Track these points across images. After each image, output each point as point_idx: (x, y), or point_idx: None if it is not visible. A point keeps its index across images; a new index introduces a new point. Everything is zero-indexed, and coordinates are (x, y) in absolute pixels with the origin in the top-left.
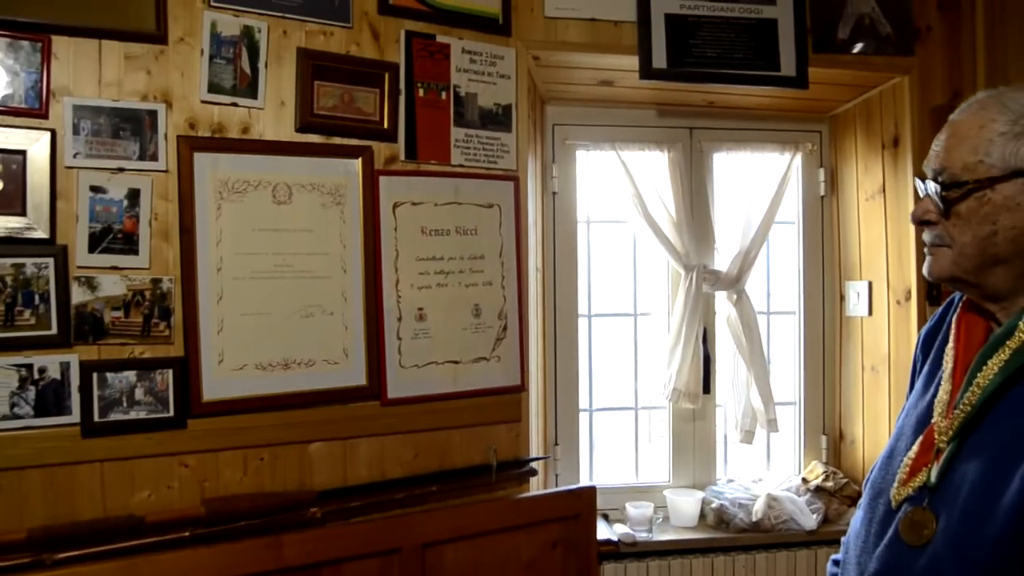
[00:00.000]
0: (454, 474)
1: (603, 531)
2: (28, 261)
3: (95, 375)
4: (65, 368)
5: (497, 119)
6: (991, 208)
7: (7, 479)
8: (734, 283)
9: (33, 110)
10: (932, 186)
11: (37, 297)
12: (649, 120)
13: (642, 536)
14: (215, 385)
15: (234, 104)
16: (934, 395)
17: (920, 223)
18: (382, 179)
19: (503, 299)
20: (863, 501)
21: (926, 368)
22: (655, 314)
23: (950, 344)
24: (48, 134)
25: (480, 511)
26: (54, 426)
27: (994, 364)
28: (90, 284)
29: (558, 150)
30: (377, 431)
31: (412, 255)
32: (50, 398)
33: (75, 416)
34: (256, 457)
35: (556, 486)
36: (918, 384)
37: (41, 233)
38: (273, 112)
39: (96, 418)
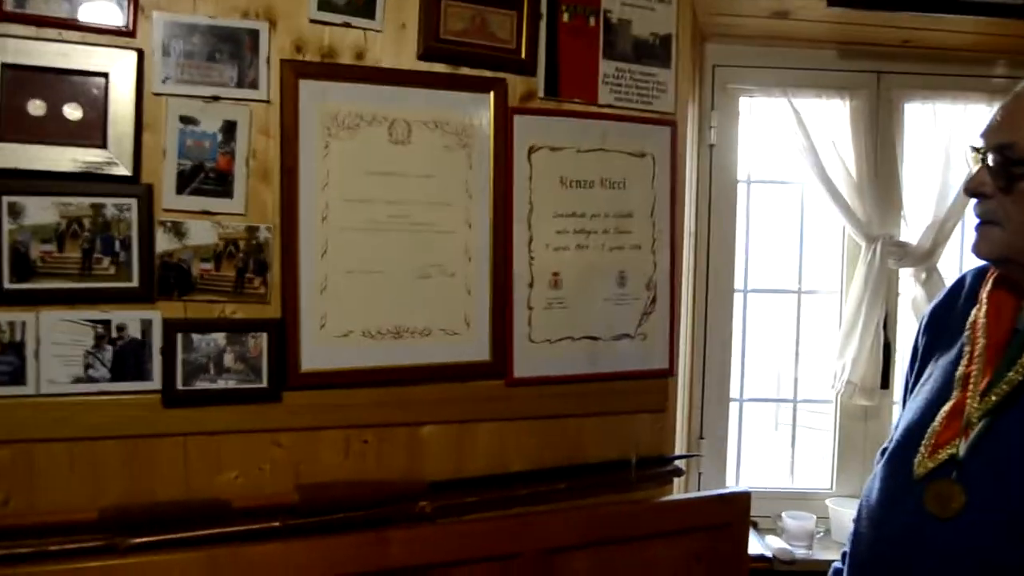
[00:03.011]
0: (587, 469)
1: (754, 544)
2: (108, 201)
3: (180, 336)
4: (147, 326)
5: (653, 52)
6: None
7: (80, 449)
8: (925, 259)
9: (118, 27)
10: (994, 158)
11: (118, 243)
12: (828, 62)
13: (801, 553)
14: (315, 353)
15: (347, 25)
16: (953, 368)
17: (973, 195)
18: (517, 118)
19: (653, 266)
20: (879, 475)
21: (941, 343)
22: (823, 292)
23: (980, 320)
24: (134, 54)
25: (616, 514)
26: (133, 392)
27: None
28: (177, 230)
29: (718, 95)
30: (499, 415)
31: (549, 210)
32: (129, 360)
33: (156, 382)
34: (359, 439)
35: (699, 487)
36: (935, 359)
37: (123, 169)
38: (392, 36)
39: (179, 385)
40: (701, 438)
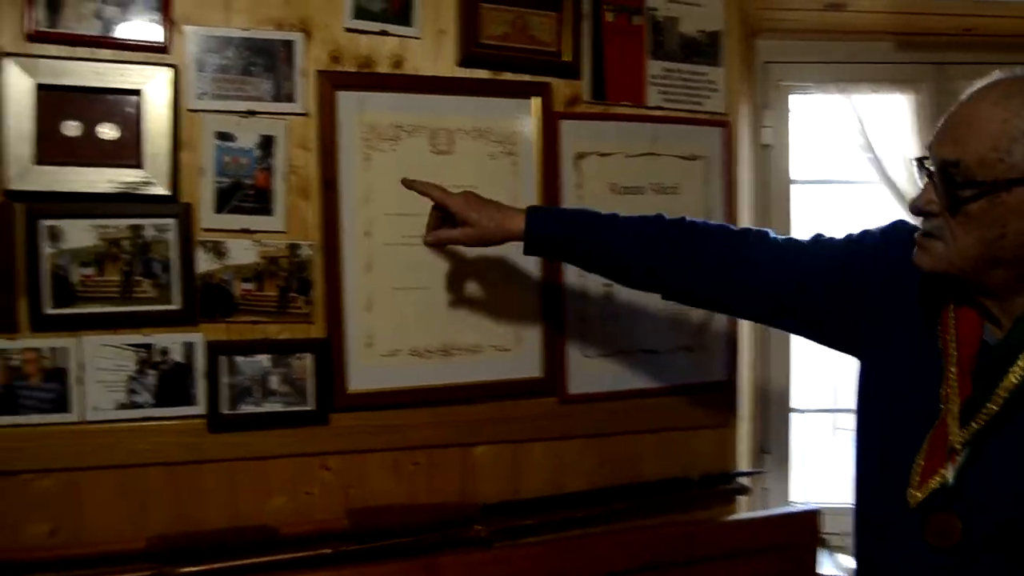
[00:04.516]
0: (646, 489)
1: (825, 564)
2: (147, 222)
3: (223, 359)
4: (189, 349)
5: (702, 50)
6: (1003, 211)
7: (127, 477)
8: None
9: (151, 43)
10: (939, 176)
11: (157, 265)
12: (885, 55)
13: None
14: (363, 373)
15: (384, 33)
16: (927, 386)
17: (919, 214)
18: (563, 124)
19: None
20: (867, 498)
21: (898, 332)
22: None
23: (950, 340)
24: (169, 71)
25: (678, 536)
26: (177, 417)
27: (1020, 368)
28: (217, 250)
29: (770, 93)
30: (554, 434)
31: None
32: (173, 384)
33: (201, 407)
34: (410, 461)
35: (765, 505)
36: (894, 357)
37: (161, 189)
38: (431, 42)
39: (224, 410)
40: (765, 452)
